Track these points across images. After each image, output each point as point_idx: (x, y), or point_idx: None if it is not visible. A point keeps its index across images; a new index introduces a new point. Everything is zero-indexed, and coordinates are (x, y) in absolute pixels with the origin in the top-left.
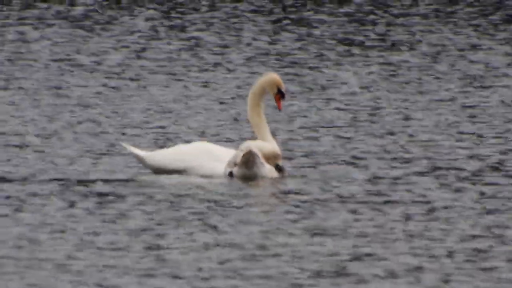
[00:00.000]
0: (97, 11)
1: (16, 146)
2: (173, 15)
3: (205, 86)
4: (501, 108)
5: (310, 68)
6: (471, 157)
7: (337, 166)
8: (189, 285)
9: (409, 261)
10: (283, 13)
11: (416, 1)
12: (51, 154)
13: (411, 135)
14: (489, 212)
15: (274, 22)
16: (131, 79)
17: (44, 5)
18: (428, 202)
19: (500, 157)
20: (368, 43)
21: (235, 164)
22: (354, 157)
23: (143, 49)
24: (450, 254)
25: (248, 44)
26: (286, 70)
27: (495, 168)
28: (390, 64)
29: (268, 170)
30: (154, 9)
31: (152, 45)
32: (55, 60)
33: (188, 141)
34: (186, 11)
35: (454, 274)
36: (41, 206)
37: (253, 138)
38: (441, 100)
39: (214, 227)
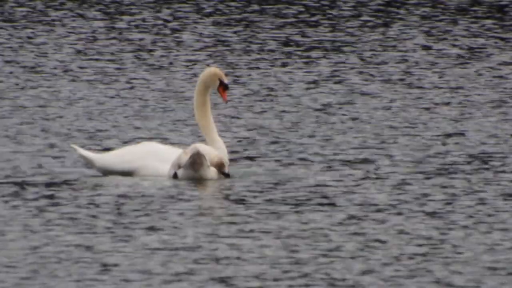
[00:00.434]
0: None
1: None
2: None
3: (148, 88)
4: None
5: (252, 68)
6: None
7: (282, 168)
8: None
9: (352, 266)
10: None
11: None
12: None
13: (356, 137)
14: (432, 214)
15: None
16: (74, 80)
17: None
18: (374, 205)
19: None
20: (313, 44)
21: (179, 166)
22: (300, 159)
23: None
24: (396, 258)
25: (190, 46)
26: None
27: (439, 169)
28: (334, 64)
29: (213, 172)
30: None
31: (93, 46)
32: None
33: (137, 142)
34: (126, 12)
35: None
36: None
37: (200, 140)
38: (389, 101)
39: (155, 229)
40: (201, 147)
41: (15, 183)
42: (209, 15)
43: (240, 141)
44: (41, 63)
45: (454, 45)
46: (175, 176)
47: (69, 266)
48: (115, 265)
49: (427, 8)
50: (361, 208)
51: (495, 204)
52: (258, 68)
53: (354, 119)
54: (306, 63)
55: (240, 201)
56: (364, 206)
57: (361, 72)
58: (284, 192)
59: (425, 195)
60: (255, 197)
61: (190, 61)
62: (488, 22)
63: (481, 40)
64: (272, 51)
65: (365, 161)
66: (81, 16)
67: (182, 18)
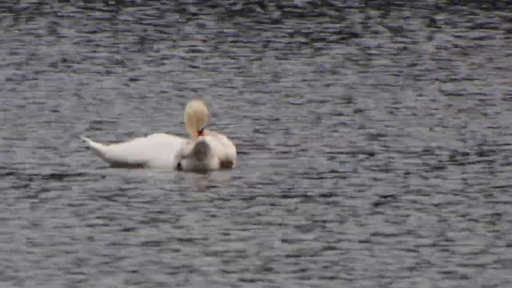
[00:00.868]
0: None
1: None
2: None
3: (153, 82)
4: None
5: (253, 60)
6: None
7: (285, 159)
8: (130, 280)
9: (359, 258)
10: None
11: None
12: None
13: (359, 128)
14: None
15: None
16: (75, 72)
17: None
18: (382, 197)
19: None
20: (314, 36)
21: (183, 156)
22: (302, 150)
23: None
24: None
25: (187, 38)
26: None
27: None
28: (338, 55)
29: (217, 163)
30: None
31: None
32: None
33: (146, 134)
34: (128, 3)
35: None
36: None
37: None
38: (393, 93)
39: (158, 221)
40: (207, 138)
41: (17, 175)
42: (212, 7)
43: (243, 133)
44: (42, 54)
45: (459, 37)
46: (179, 166)
47: (73, 258)
48: (122, 257)
49: None
50: (367, 201)
51: (501, 197)
52: (260, 59)
53: (360, 110)
54: (309, 54)
55: (245, 193)
56: (370, 198)
57: (365, 64)
58: (289, 184)
59: (430, 186)
60: (260, 188)
61: (193, 51)
62: (495, 13)
63: (485, 32)
64: (275, 42)
65: (371, 152)
66: (84, 8)
67: (185, 11)
